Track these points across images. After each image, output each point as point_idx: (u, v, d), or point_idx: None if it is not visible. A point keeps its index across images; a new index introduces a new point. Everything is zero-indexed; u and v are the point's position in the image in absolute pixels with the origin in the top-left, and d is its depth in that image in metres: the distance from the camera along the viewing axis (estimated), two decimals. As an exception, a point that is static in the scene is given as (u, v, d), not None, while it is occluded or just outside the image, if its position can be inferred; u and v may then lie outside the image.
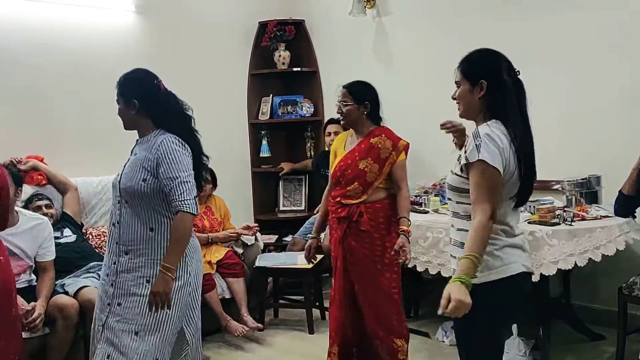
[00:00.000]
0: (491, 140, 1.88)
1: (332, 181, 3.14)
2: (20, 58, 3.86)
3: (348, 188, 3.01)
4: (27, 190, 3.64)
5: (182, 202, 2.23)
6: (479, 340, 1.98)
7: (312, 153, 5.21)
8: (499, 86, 1.96)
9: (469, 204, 1.92)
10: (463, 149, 2.00)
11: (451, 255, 2.09)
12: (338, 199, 3.05)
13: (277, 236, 4.92)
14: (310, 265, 3.99)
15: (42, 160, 3.83)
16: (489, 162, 1.85)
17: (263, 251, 4.42)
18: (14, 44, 3.84)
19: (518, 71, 1.99)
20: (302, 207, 5.20)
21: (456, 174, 2.00)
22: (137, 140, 2.46)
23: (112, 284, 2.33)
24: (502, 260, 1.94)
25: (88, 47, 4.16)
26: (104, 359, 2.30)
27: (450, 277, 1.82)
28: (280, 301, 4.33)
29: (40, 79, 3.95)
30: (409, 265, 3.42)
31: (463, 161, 1.94)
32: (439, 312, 1.76)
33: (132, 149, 2.46)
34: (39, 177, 3.75)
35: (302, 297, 4.10)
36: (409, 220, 2.94)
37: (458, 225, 2.04)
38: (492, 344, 2.01)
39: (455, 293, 1.74)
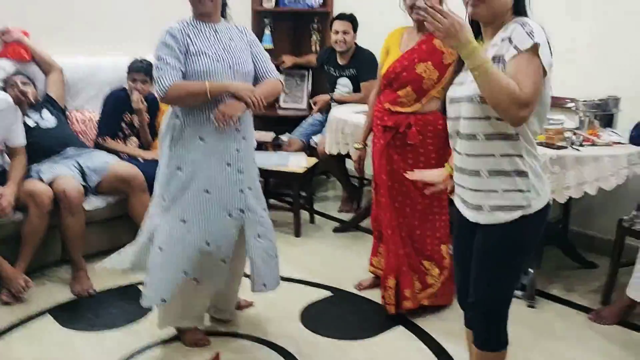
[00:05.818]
0: (543, 32, 1.60)
1: (382, 82, 2.79)
2: None
3: (399, 92, 2.70)
4: (8, 67, 3.44)
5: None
6: (512, 267, 1.79)
7: (318, 48, 4.90)
8: None
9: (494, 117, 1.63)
10: (498, 45, 1.65)
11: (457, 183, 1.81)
12: (387, 106, 2.76)
13: (274, 134, 4.75)
14: (303, 170, 3.86)
15: (27, 36, 3.59)
16: (541, 53, 1.56)
17: (258, 149, 4.25)
18: None
19: None
20: (304, 106, 4.97)
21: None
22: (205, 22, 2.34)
23: (239, 171, 2.39)
24: (545, 183, 1.74)
25: None
26: (255, 238, 2.46)
27: None
28: (271, 200, 4.23)
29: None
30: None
31: (513, 52, 1.58)
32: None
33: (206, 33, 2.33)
34: (23, 50, 3.52)
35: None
36: None
37: (466, 149, 1.73)
38: (519, 271, 1.85)
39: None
